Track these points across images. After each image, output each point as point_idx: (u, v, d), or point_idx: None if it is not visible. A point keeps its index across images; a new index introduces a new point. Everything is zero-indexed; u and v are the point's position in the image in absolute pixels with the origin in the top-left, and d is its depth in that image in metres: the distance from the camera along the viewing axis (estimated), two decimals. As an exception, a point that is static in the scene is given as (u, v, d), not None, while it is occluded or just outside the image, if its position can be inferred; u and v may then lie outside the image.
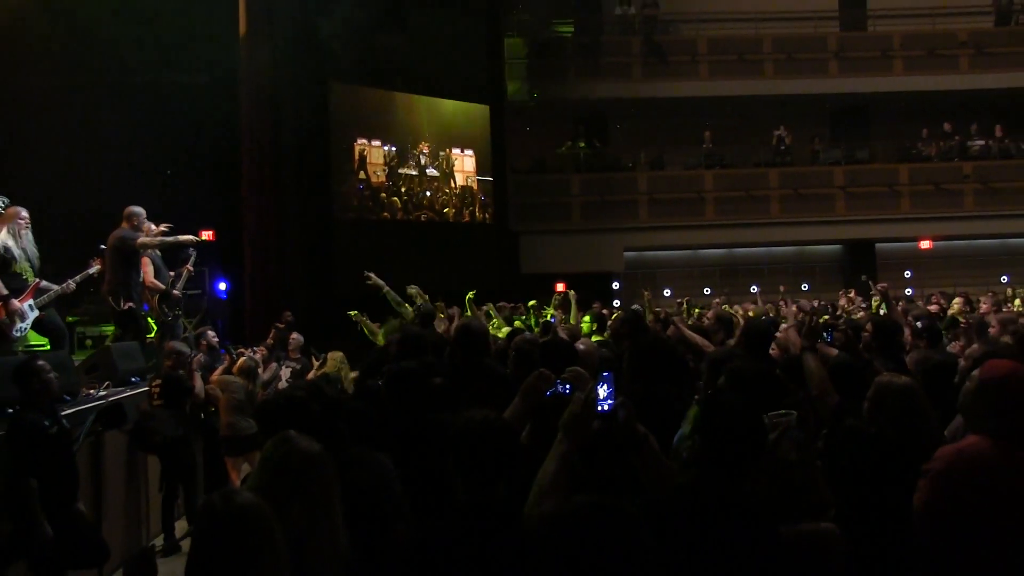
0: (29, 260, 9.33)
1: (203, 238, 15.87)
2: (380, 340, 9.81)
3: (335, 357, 10.55)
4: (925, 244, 25.34)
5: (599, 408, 3.39)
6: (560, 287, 20.68)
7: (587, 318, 11.27)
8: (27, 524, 6.25)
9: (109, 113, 16.65)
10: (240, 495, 2.50)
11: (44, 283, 9.58)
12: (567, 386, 4.04)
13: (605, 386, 3.44)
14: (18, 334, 9.18)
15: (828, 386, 4.83)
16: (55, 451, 6.52)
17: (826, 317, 11.56)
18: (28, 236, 9.36)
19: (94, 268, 10.39)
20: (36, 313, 9.34)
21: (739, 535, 2.94)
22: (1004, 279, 22.21)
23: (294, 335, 12.30)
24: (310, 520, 3.03)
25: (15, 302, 9.04)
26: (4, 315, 8.99)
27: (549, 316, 12.85)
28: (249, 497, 2.62)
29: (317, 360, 11.15)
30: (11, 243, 9.08)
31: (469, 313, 10.89)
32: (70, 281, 9.85)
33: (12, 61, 15.26)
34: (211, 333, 11.56)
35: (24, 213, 9.37)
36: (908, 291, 21.70)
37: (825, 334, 5.64)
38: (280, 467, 3.12)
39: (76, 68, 16.50)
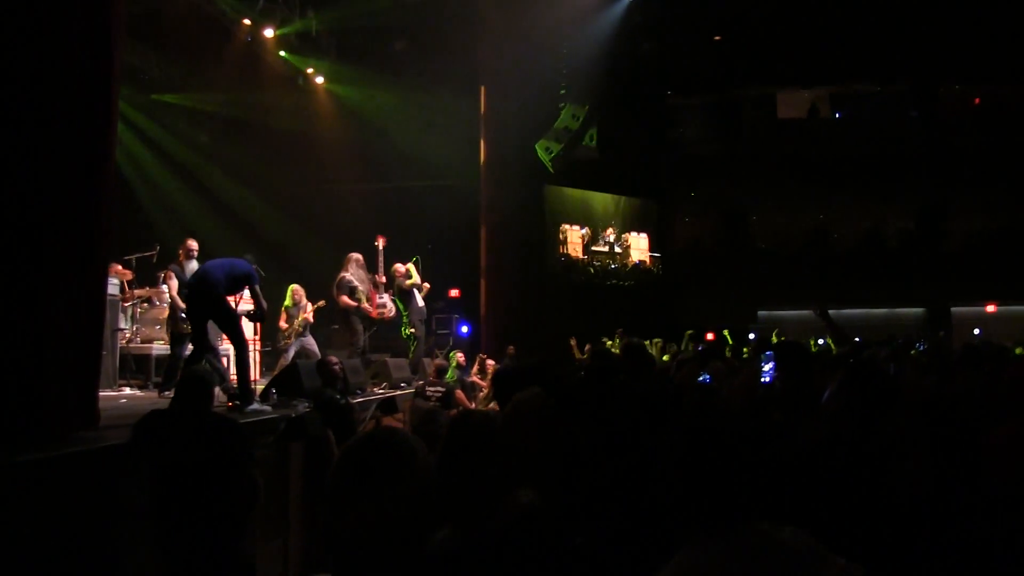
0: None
1: (452, 294, 16.67)
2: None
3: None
4: (991, 308, 23.62)
5: (762, 379, 3.52)
6: (710, 336, 20.17)
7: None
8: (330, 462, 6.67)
9: (394, 205, 17.67)
10: (398, 430, 2.42)
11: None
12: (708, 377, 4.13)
13: (769, 364, 3.56)
14: None
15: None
16: (341, 416, 7.05)
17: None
18: (361, 273, 10.83)
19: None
20: None
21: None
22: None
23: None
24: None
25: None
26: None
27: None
28: (402, 432, 2.48)
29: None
30: (355, 279, 10.18)
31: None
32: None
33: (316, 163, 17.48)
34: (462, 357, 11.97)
35: (357, 257, 10.87)
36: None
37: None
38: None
39: (366, 171, 17.69)
